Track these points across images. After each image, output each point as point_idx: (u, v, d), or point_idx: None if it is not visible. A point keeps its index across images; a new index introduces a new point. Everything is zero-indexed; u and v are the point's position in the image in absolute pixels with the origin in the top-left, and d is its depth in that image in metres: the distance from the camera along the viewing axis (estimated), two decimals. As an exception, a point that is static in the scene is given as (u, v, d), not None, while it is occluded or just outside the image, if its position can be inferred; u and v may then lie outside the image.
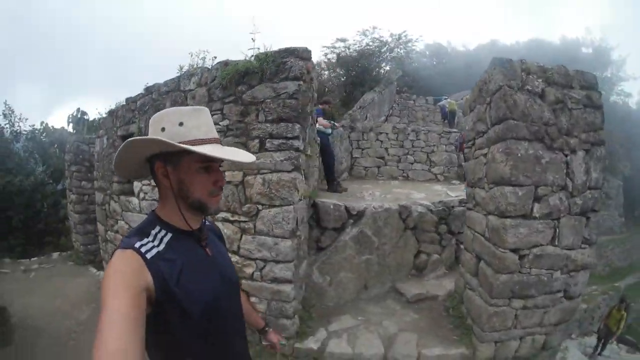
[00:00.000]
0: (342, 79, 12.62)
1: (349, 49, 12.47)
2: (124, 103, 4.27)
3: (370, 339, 2.92)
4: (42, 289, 4.86)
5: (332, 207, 3.41)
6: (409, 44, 14.08)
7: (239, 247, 3.04)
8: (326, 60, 12.27)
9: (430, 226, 3.98)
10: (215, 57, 3.46)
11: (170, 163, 0.80)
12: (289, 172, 2.86)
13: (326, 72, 12.74)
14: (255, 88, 2.87)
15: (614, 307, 6.06)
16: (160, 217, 0.84)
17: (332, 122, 4.91)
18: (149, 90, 3.79)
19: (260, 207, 2.93)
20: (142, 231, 0.80)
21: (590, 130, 2.81)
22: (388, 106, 12.09)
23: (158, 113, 0.82)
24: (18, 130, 10.76)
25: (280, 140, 2.85)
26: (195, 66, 3.42)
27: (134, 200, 4.05)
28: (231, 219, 3.05)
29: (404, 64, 14.84)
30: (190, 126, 0.80)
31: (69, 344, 3.35)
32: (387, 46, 13.37)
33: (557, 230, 2.71)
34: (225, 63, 2.92)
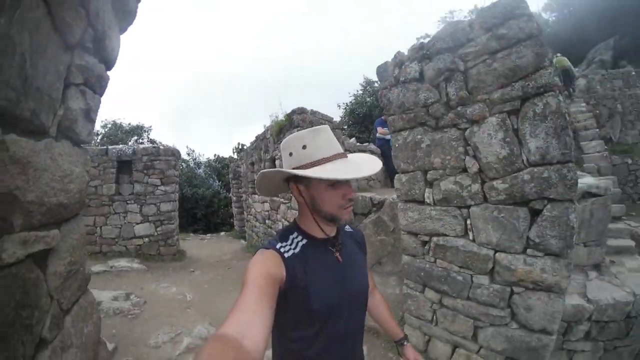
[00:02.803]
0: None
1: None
2: (249, 144, 7.77)
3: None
4: (209, 247, 8.92)
5: (360, 197, 4.51)
6: None
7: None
8: None
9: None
10: (278, 116, 5.73)
11: (302, 183, 0.92)
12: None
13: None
14: (285, 135, 4.95)
15: None
16: (299, 225, 0.98)
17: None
18: (257, 138, 6.99)
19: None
20: (283, 236, 0.95)
21: (513, 80, 2.16)
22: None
23: (285, 140, 0.95)
24: (199, 161, 17.50)
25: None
26: (272, 122, 5.91)
27: (255, 197, 7.37)
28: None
29: None
30: (313, 147, 0.90)
31: (213, 264, 6.83)
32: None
33: (468, 221, 2.48)
34: (275, 122, 5.27)
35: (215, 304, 4.50)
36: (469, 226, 2.46)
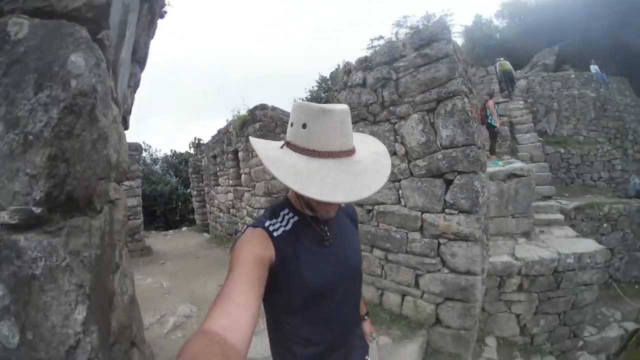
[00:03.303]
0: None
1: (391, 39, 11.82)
2: (210, 138, 8.40)
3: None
4: (173, 242, 9.15)
5: None
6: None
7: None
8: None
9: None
10: (240, 111, 6.30)
11: None
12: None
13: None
14: (248, 128, 5.49)
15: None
16: (291, 200, 0.96)
17: None
18: (219, 131, 7.61)
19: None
20: (273, 212, 0.94)
21: (431, 87, 3.04)
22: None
23: (298, 104, 0.84)
24: (156, 157, 17.29)
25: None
26: (233, 116, 6.45)
27: (218, 188, 8.05)
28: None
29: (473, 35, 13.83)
30: (311, 131, 0.79)
31: (181, 256, 7.28)
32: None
33: (400, 191, 3.36)
34: (238, 116, 5.81)
35: (191, 289, 5.00)
36: (400, 195, 3.33)
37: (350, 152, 0.82)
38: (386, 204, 3.46)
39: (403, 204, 3.33)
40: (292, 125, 0.84)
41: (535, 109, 10.50)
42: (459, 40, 21.34)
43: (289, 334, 0.92)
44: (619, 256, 7.33)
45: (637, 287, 7.09)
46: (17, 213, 0.59)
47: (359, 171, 0.79)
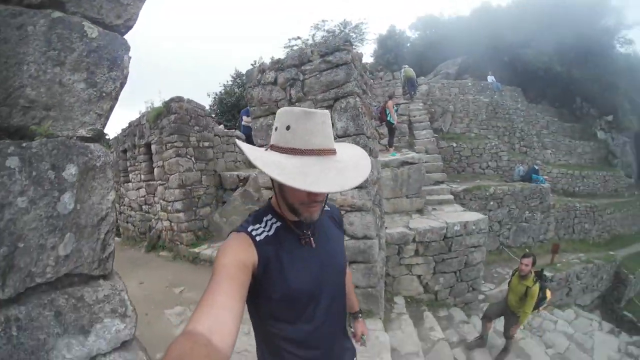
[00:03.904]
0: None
1: (306, 45, 13.31)
2: (120, 131, 8.17)
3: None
4: None
5: (229, 175, 5.42)
6: (357, 29, 14.92)
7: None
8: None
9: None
10: (153, 103, 6.22)
11: None
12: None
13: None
14: (162, 121, 5.42)
15: (515, 271, 4.01)
16: (273, 206, 0.98)
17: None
18: (130, 124, 7.36)
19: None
20: (256, 217, 0.96)
21: (330, 88, 3.59)
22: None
23: (279, 110, 0.88)
24: None
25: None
26: (147, 108, 6.32)
27: (129, 185, 7.94)
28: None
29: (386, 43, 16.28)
30: (294, 132, 0.82)
31: None
32: (337, 36, 14.12)
33: None
34: (152, 108, 5.68)
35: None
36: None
37: (331, 152, 0.86)
38: (294, 188, 3.92)
39: (308, 186, 3.84)
40: (276, 129, 0.87)
41: (433, 110, 12.18)
42: (373, 47, 23.63)
43: (274, 338, 0.94)
44: (507, 227, 9.05)
45: (527, 250, 8.62)
46: (91, 131, 1.02)
47: (340, 168, 0.82)
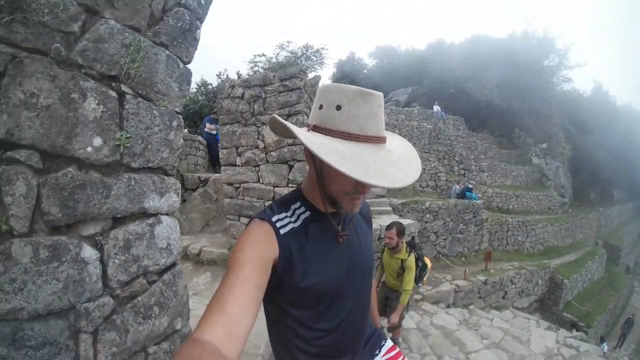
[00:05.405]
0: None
1: (269, 62, 14.48)
2: None
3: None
4: None
5: (190, 176, 6.27)
6: (318, 53, 16.23)
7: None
8: (252, 73, 14.10)
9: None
10: None
11: None
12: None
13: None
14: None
15: (384, 246, 3.61)
16: (304, 193, 0.90)
17: (217, 126, 7.28)
18: None
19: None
20: (284, 204, 0.88)
21: (285, 106, 4.74)
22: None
23: (325, 86, 0.79)
24: None
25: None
26: None
27: None
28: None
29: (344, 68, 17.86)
30: (347, 114, 0.73)
31: None
32: (299, 57, 15.30)
33: (259, 173, 4.88)
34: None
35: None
36: (260, 175, 4.91)
37: (384, 140, 0.77)
38: (250, 182, 4.98)
39: (261, 181, 4.91)
40: (320, 107, 0.77)
41: (380, 134, 13.90)
42: (332, 70, 25.45)
43: (290, 332, 0.87)
44: (443, 237, 10.13)
45: (463, 259, 10.01)
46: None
47: (394, 160, 0.74)
